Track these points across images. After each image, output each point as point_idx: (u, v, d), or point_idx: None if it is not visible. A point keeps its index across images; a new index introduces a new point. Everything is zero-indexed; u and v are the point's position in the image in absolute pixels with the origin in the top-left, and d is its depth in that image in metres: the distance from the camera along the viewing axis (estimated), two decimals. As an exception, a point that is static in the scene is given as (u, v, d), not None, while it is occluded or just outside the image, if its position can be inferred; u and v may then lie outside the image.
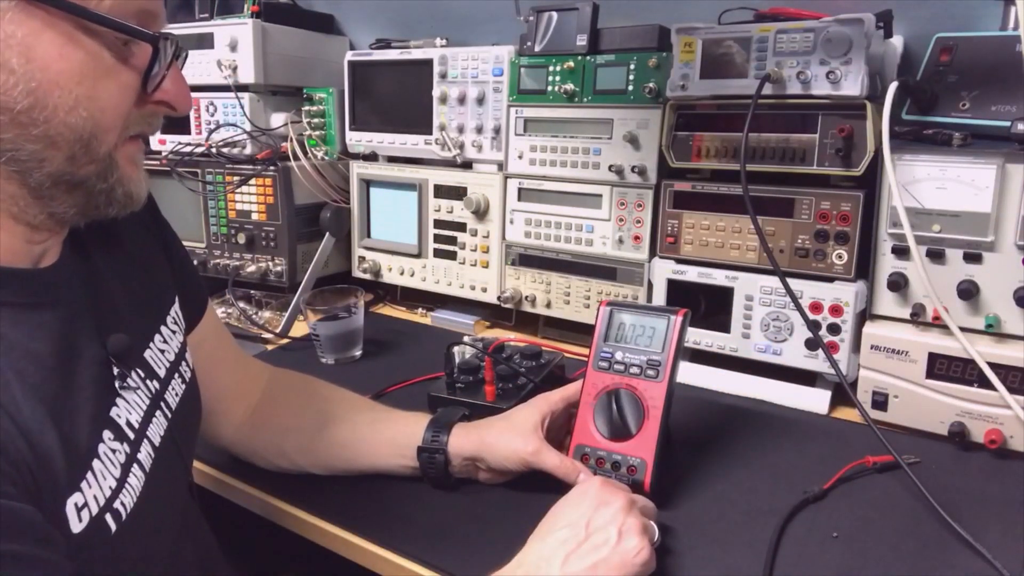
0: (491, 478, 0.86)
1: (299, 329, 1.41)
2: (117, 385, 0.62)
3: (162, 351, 0.72)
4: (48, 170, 0.54)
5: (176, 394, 0.72)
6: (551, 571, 0.63)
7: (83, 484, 0.54)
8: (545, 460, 0.81)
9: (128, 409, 0.62)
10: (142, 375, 0.66)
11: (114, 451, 0.58)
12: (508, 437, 0.83)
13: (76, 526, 0.52)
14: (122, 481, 0.58)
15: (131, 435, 0.61)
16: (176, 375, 0.73)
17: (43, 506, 0.49)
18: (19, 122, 0.51)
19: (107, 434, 0.58)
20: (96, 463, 0.56)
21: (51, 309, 0.57)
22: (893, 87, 0.94)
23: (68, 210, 0.57)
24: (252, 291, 1.56)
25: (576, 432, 0.84)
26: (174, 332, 0.75)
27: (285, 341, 1.39)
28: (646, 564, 0.66)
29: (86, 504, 0.53)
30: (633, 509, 0.70)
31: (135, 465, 0.60)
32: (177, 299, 0.79)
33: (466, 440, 0.84)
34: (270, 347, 1.37)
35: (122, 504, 0.57)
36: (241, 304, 1.52)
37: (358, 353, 1.30)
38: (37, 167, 0.54)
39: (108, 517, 0.55)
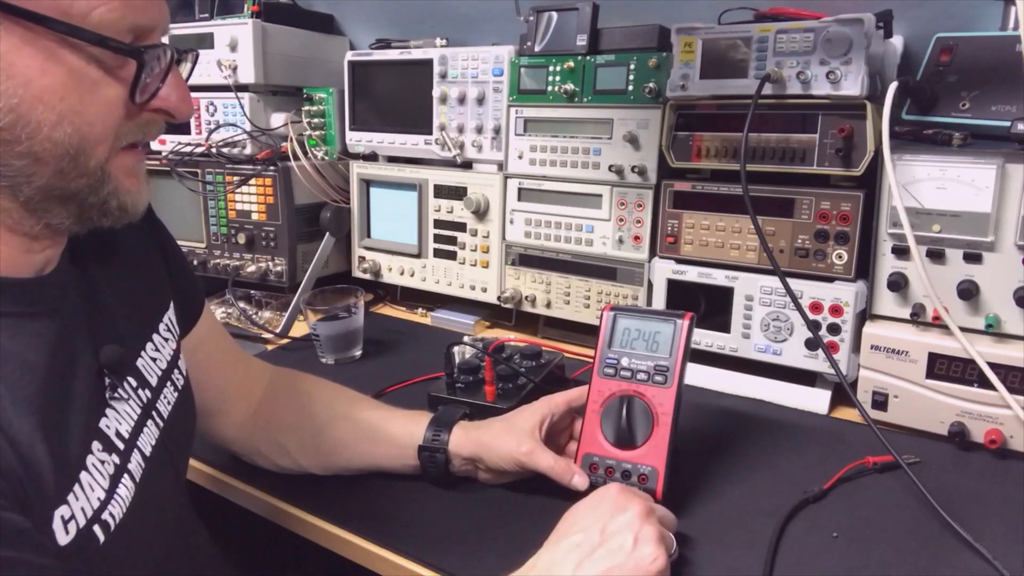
0: (491, 479, 0.86)
1: (299, 329, 1.41)
2: (107, 396, 0.61)
3: (154, 359, 0.71)
4: (37, 184, 0.53)
5: (168, 402, 0.72)
6: (563, 573, 0.62)
7: (70, 497, 0.53)
8: (538, 461, 0.80)
9: (118, 419, 0.62)
10: (134, 384, 0.66)
11: (103, 462, 0.58)
12: (505, 439, 0.83)
13: (63, 538, 0.52)
14: (111, 492, 0.57)
15: (120, 446, 0.61)
16: (168, 383, 0.73)
17: (31, 518, 0.49)
18: (2, 139, 0.51)
19: (96, 445, 0.58)
20: (84, 475, 0.55)
21: (48, 318, 0.57)
22: (893, 87, 0.94)
23: (64, 221, 0.57)
24: (252, 291, 1.56)
25: (583, 441, 0.83)
26: (167, 339, 0.75)
27: (285, 341, 1.39)
28: (661, 573, 0.64)
29: (73, 517, 0.53)
30: (651, 517, 0.68)
31: (125, 475, 0.60)
32: (172, 305, 0.78)
33: (465, 440, 0.84)
34: (270, 347, 1.37)
35: (111, 515, 0.57)
36: (241, 304, 1.52)
37: (358, 353, 1.30)
38: (26, 182, 0.53)
39: (96, 528, 0.55)
